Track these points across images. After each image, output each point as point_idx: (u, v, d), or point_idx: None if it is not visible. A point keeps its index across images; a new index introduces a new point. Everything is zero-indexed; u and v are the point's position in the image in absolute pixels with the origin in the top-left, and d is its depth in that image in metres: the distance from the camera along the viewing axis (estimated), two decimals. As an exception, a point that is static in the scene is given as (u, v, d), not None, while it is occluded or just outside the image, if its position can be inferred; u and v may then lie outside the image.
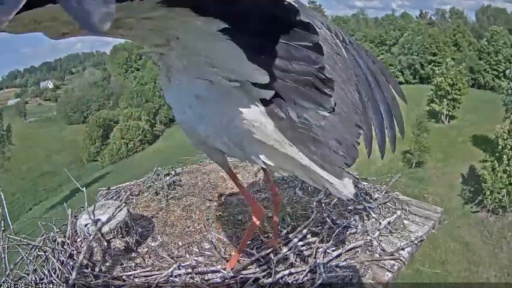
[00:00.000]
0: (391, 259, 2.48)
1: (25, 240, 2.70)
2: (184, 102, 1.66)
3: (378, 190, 3.41)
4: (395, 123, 2.16)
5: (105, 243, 2.49)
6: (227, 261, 2.42)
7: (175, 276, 2.30)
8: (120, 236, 2.54)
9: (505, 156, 24.03)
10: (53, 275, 2.34)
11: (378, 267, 2.42)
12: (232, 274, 2.26)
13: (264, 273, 2.28)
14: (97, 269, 2.42)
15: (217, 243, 2.65)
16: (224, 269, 2.27)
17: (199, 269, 2.33)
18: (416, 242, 2.72)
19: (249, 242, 2.61)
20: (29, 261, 2.54)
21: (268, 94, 1.42)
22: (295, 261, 2.42)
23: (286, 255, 2.45)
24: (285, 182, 3.65)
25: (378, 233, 2.73)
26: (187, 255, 2.54)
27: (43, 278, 2.37)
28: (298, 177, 1.97)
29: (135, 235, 2.66)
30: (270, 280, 2.22)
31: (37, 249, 2.65)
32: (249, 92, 1.44)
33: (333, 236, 2.66)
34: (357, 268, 2.38)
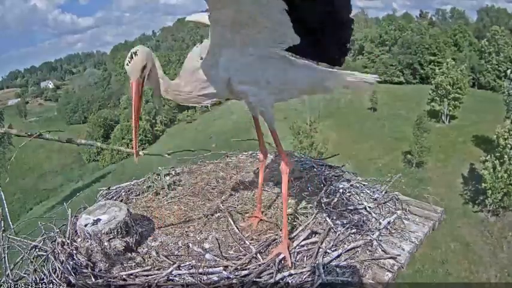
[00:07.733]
0: (391, 259, 2.48)
1: (25, 240, 2.70)
2: None
3: (377, 190, 3.40)
4: None
5: (105, 243, 2.49)
6: (227, 260, 2.43)
7: (175, 276, 2.30)
8: (120, 236, 2.54)
9: (505, 156, 24.02)
10: (53, 275, 2.34)
11: (378, 267, 2.42)
12: (231, 275, 2.26)
13: (264, 273, 2.28)
14: (97, 269, 2.42)
15: (217, 243, 2.65)
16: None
17: (199, 269, 2.33)
18: (416, 242, 2.71)
19: (249, 242, 2.61)
20: (29, 261, 2.54)
21: None
22: (295, 261, 2.42)
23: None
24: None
25: (377, 233, 2.73)
26: (187, 255, 2.54)
27: (43, 278, 2.37)
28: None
29: (135, 235, 2.66)
30: (270, 280, 2.22)
31: (37, 249, 2.65)
32: None
33: (333, 236, 2.66)
34: (357, 268, 2.38)
